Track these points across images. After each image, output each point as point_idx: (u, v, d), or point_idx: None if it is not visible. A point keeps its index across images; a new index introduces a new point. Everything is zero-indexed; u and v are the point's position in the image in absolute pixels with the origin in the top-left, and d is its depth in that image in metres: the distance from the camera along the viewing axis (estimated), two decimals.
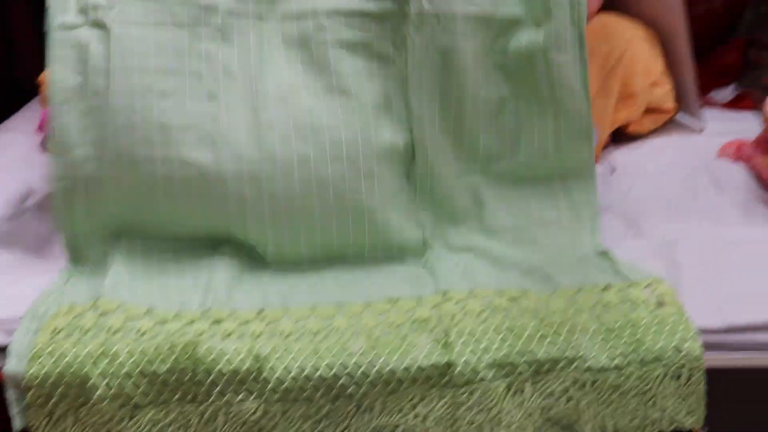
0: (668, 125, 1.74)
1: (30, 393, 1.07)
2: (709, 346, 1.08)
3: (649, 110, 1.69)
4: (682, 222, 1.33)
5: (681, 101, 1.74)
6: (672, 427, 1.07)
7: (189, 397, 1.07)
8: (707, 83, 1.91)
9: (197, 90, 1.24)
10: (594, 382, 1.06)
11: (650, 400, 1.07)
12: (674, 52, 1.72)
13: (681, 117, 1.76)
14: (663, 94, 1.68)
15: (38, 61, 2.17)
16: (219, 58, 1.26)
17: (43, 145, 1.77)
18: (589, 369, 1.05)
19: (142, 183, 1.23)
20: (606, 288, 1.14)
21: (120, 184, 1.24)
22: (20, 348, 1.10)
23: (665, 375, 1.06)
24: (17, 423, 1.10)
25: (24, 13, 2.19)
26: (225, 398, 1.06)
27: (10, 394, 1.09)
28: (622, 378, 1.06)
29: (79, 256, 1.27)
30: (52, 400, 1.08)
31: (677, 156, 1.61)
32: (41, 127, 1.74)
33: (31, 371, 1.07)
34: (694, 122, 1.73)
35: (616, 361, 1.05)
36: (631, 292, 1.13)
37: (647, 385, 1.06)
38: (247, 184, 1.22)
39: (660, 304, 1.10)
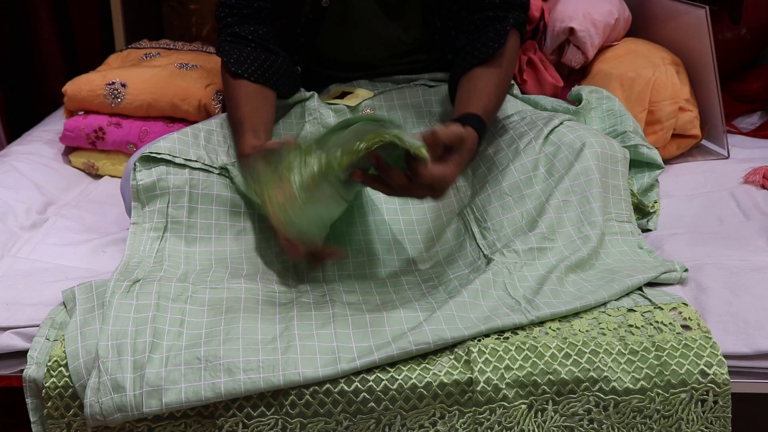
0: (693, 151, 1.74)
1: (49, 404, 1.07)
2: (734, 372, 1.06)
3: (675, 136, 1.69)
4: (708, 247, 1.31)
5: (706, 127, 1.73)
6: None
7: (208, 411, 1.06)
8: (732, 110, 1.92)
9: None
10: (617, 404, 1.04)
11: (674, 424, 1.05)
12: (700, 79, 1.72)
13: (706, 143, 1.75)
14: (689, 119, 1.68)
15: (63, 73, 2.21)
16: None
17: (66, 154, 1.78)
18: (612, 391, 1.04)
19: None
20: (631, 310, 1.13)
21: None
22: (38, 356, 1.10)
23: (690, 399, 1.04)
24: (35, 431, 1.10)
25: (48, 24, 2.22)
26: (244, 412, 1.05)
27: (29, 402, 1.09)
28: (646, 401, 1.04)
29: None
30: (71, 412, 1.08)
31: (702, 181, 1.61)
32: (64, 137, 1.75)
33: (50, 382, 1.07)
34: (719, 148, 1.72)
35: (640, 384, 1.04)
36: (655, 315, 1.11)
37: (672, 409, 1.04)
38: None
39: (685, 327, 1.09)
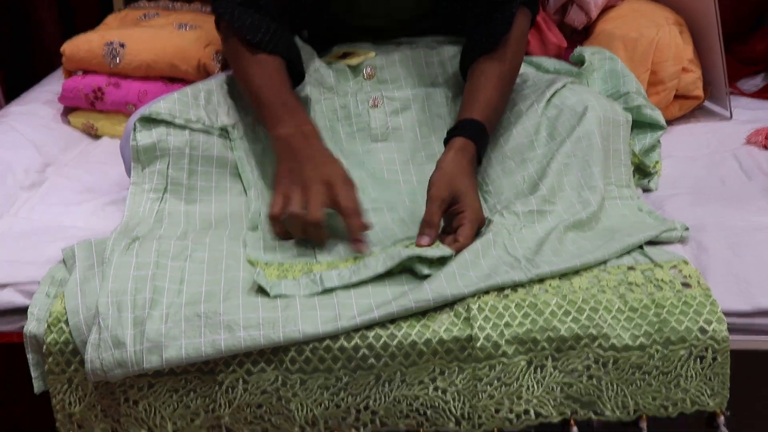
0: (696, 112, 1.73)
1: (49, 359, 1.07)
2: (734, 329, 1.06)
3: (677, 97, 1.68)
4: (709, 207, 1.31)
5: (709, 88, 1.72)
6: (694, 409, 1.06)
7: (208, 366, 1.06)
8: (736, 72, 1.90)
9: None
10: (616, 361, 1.04)
11: (673, 380, 1.05)
12: (704, 39, 1.70)
13: (709, 104, 1.74)
14: (692, 80, 1.66)
15: (60, 33, 2.19)
16: None
17: (65, 114, 1.77)
18: (612, 347, 1.04)
19: None
20: (631, 268, 1.13)
21: None
22: (39, 312, 1.10)
23: (689, 356, 1.04)
24: (37, 386, 1.10)
25: None
26: (244, 368, 1.05)
27: (30, 358, 1.10)
28: (645, 357, 1.04)
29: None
30: (72, 367, 1.08)
31: (705, 142, 1.60)
32: (62, 97, 1.74)
33: (50, 338, 1.07)
34: (722, 110, 1.71)
35: (639, 341, 1.04)
36: (656, 273, 1.11)
37: (670, 365, 1.04)
38: None
39: (685, 285, 1.09)
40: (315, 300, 1.08)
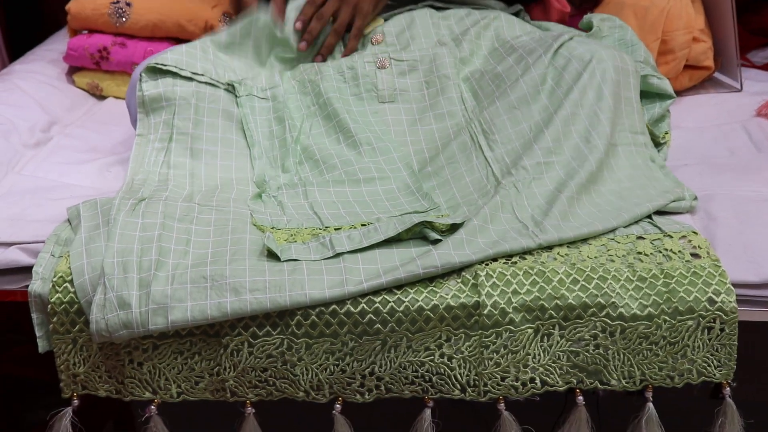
0: (706, 83, 1.71)
1: (54, 319, 1.07)
2: (742, 301, 1.06)
3: (687, 67, 1.66)
4: (719, 178, 1.30)
5: (720, 59, 1.70)
6: (700, 380, 1.06)
7: (213, 329, 1.06)
8: (746, 43, 1.87)
9: None
10: (624, 330, 1.04)
11: (680, 351, 1.05)
12: (716, 8, 1.68)
13: (719, 75, 1.72)
14: (702, 50, 1.64)
15: None
16: None
17: (69, 74, 1.76)
18: (619, 317, 1.03)
19: None
20: (640, 237, 1.12)
21: None
22: (43, 271, 1.10)
23: (697, 327, 1.04)
24: (41, 346, 1.10)
25: None
26: (249, 331, 1.05)
27: (35, 318, 1.09)
28: (653, 327, 1.04)
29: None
30: (77, 327, 1.07)
31: (714, 113, 1.58)
32: (67, 56, 1.73)
33: (55, 298, 1.06)
34: (732, 81, 1.70)
35: (647, 311, 1.03)
36: (665, 243, 1.10)
37: (678, 336, 1.04)
38: None
39: (695, 255, 1.08)
40: (322, 264, 1.07)
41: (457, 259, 1.05)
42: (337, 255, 1.08)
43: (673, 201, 1.19)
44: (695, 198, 1.22)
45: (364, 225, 1.17)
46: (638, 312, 1.03)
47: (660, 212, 1.19)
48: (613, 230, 1.14)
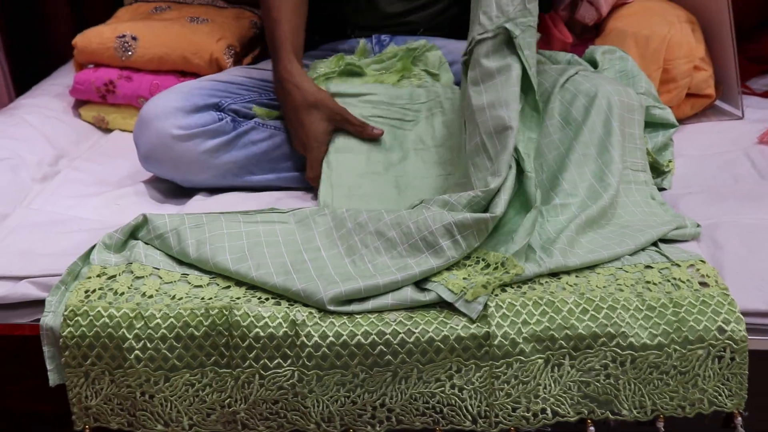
0: (707, 111, 1.72)
1: (66, 353, 1.07)
2: (752, 329, 1.06)
3: (689, 95, 1.67)
4: (723, 205, 1.31)
5: (721, 87, 1.72)
6: (712, 409, 1.06)
7: (224, 361, 1.06)
8: (744, 70, 1.89)
9: None
10: (634, 360, 1.04)
11: (691, 380, 1.05)
12: (716, 37, 1.70)
13: (720, 103, 1.74)
14: (704, 79, 1.66)
15: (70, 26, 2.19)
16: None
17: (76, 107, 1.77)
18: (630, 346, 1.04)
19: None
20: (648, 266, 1.13)
21: None
22: (56, 304, 1.10)
23: (707, 356, 1.04)
24: (52, 379, 1.10)
25: None
26: (260, 363, 1.05)
27: (46, 351, 1.09)
28: (663, 357, 1.04)
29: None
30: (88, 361, 1.08)
31: (717, 141, 1.59)
32: (74, 90, 1.74)
33: (66, 331, 1.07)
34: (733, 109, 1.71)
35: (657, 340, 1.04)
36: (673, 272, 1.11)
37: (688, 365, 1.04)
38: None
39: (703, 284, 1.09)
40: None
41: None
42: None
43: (675, 229, 1.20)
44: (698, 225, 1.22)
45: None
46: (648, 341, 1.04)
47: (666, 240, 1.19)
48: (618, 258, 1.15)
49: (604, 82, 1.32)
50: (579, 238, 1.17)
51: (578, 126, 1.28)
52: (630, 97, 1.32)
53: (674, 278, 1.10)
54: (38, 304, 1.13)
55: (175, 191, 1.47)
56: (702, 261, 1.13)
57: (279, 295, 1.09)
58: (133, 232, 1.19)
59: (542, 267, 1.10)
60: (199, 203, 1.39)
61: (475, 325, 1.05)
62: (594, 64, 1.56)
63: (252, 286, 1.11)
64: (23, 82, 2.07)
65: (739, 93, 1.70)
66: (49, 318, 1.09)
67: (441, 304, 1.07)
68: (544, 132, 1.30)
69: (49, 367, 1.10)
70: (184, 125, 1.38)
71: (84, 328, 1.07)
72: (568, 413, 1.06)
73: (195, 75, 1.70)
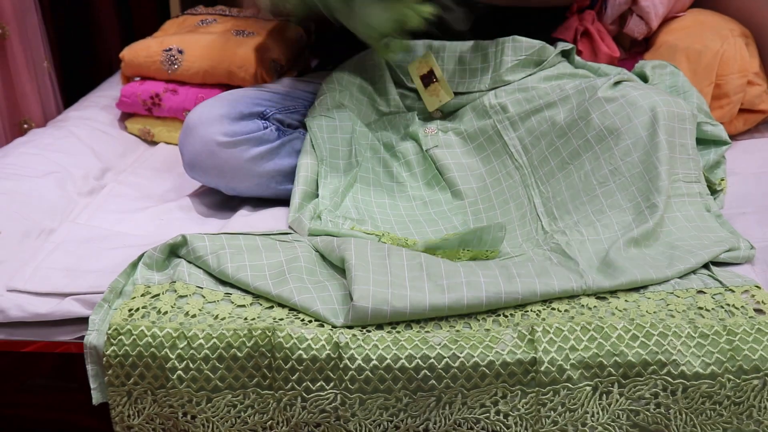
0: (761, 126, 1.68)
1: (110, 371, 1.07)
2: None
3: (742, 110, 1.64)
4: None
5: None
6: None
7: (266, 382, 1.05)
8: None
9: None
10: (686, 389, 1.01)
11: (745, 411, 1.02)
12: None
13: None
14: (757, 94, 1.62)
15: (118, 38, 2.21)
16: None
17: (122, 120, 1.78)
18: (681, 375, 1.01)
19: None
20: (700, 292, 1.10)
21: None
22: (100, 323, 1.10)
23: (763, 386, 1.01)
24: (95, 397, 1.10)
25: None
26: (303, 385, 1.04)
27: (90, 369, 1.10)
28: (717, 387, 1.01)
29: None
30: (131, 380, 1.08)
31: None
32: (120, 103, 1.75)
33: (110, 350, 1.07)
34: None
35: (710, 369, 1.01)
36: (727, 298, 1.08)
37: (743, 395, 1.01)
38: None
39: (758, 311, 1.06)
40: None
41: (503, 288, 1.07)
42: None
43: (728, 251, 1.17)
44: (752, 247, 1.19)
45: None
46: (701, 370, 1.01)
47: (717, 263, 1.16)
48: (667, 280, 1.12)
49: (652, 92, 1.30)
50: (624, 258, 1.14)
51: (621, 138, 1.25)
52: (680, 107, 1.29)
53: (728, 304, 1.07)
54: (83, 321, 1.13)
55: (219, 205, 1.47)
56: (757, 287, 1.09)
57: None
58: (172, 250, 1.19)
59: (586, 281, 1.09)
60: (242, 219, 1.39)
61: (521, 350, 1.02)
62: (644, 78, 1.54)
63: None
64: (72, 92, 2.09)
65: None
66: (93, 337, 1.09)
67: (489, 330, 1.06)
68: (585, 144, 1.28)
69: (92, 385, 1.10)
70: (229, 132, 1.38)
71: (127, 347, 1.06)
72: None
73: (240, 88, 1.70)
